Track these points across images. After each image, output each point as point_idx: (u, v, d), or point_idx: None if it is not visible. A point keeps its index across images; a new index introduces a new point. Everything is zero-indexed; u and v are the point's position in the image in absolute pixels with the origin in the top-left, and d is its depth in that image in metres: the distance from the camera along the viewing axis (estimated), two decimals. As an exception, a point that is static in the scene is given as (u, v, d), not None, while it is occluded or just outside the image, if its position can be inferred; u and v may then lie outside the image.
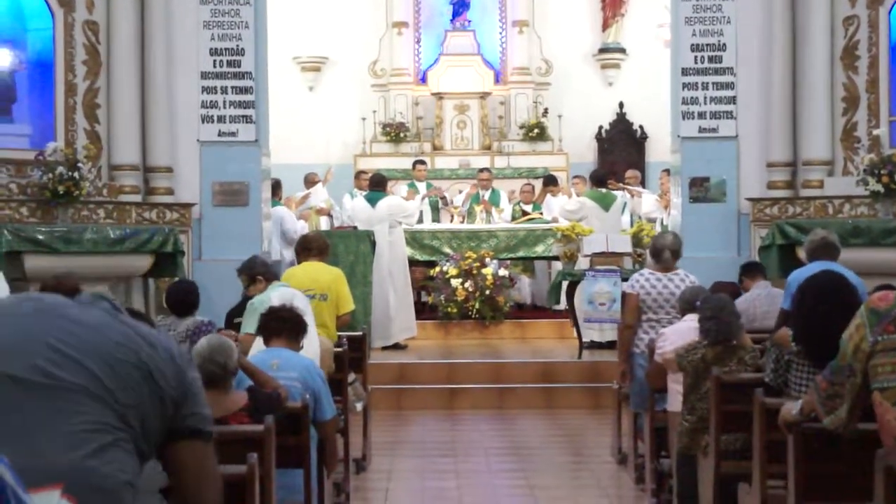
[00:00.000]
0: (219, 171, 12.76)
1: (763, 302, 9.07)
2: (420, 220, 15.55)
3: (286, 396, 5.94)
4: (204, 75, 12.79)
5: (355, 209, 14.12)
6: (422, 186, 16.73)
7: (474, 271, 14.70)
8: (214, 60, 12.79)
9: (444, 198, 16.88)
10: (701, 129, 12.88)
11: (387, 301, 13.37)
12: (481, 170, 17.37)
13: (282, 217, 14.50)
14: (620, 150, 19.98)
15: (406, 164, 18.09)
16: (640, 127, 19.97)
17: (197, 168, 12.79)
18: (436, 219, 16.61)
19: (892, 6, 12.33)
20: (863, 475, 4.50)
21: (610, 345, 12.77)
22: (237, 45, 12.81)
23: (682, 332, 7.47)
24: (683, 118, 12.93)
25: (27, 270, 10.51)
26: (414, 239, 14.89)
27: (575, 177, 17.44)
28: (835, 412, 4.56)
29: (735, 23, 12.85)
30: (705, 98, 12.88)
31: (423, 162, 17.53)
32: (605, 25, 20.15)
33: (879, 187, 11.63)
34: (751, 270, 9.67)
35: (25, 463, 2.24)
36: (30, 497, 2.22)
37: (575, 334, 13.04)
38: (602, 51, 20.24)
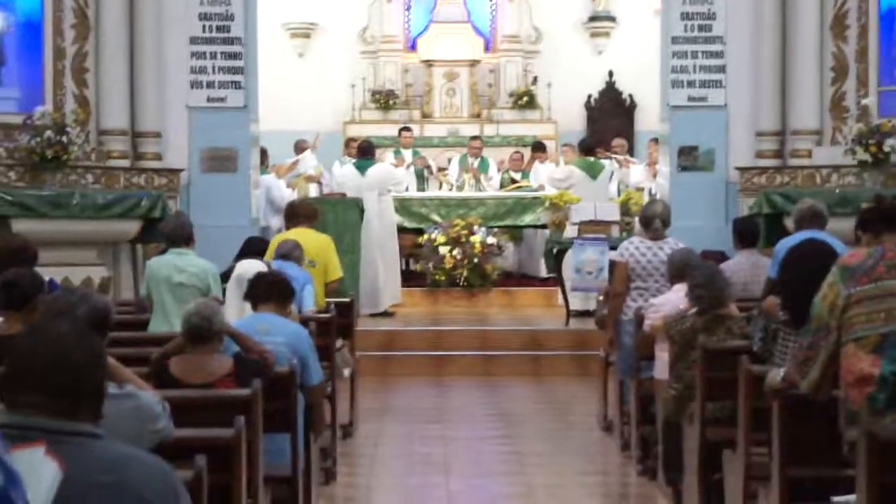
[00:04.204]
0: (207, 136, 12.74)
1: (747, 272, 9.04)
2: (405, 189, 15.53)
3: (272, 362, 5.95)
4: (193, 40, 12.74)
5: (344, 176, 14.08)
6: (408, 153, 16.71)
7: (462, 239, 14.69)
8: (204, 25, 12.74)
9: (428, 167, 16.84)
10: (690, 98, 12.88)
11: (376, 269, 13.36)
12: (473, 137, 17.34)
13: (269, 185, 14.47)
14: (609, 118, 19.92)
15: (395, 131, 18.06)
16: (630, 96, 19.93)
17: (185, 134, 12.77)
18: (421, 188, 16.57)
19: (883, -24, 12.33)
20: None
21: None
22: (227, 11, 12.75)
23: (673, 303, 7.45)
24: (673, 87, 12.92)
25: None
26: (402, 206, 14.88)
27: (564, 145, 17.39)
28: (807, 376, 4.55)
29: (725, -9, 12.83)
30: (695, 67, 12.86)
31: (408, 129, 17.47)
32: (596, -7, 20.09)
33: (867, 157, 11.65)
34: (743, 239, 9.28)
35: None
36: (12, 456, 2.24)
37: (562, 302, 13.05)
38: (592, 19, 20.16)
